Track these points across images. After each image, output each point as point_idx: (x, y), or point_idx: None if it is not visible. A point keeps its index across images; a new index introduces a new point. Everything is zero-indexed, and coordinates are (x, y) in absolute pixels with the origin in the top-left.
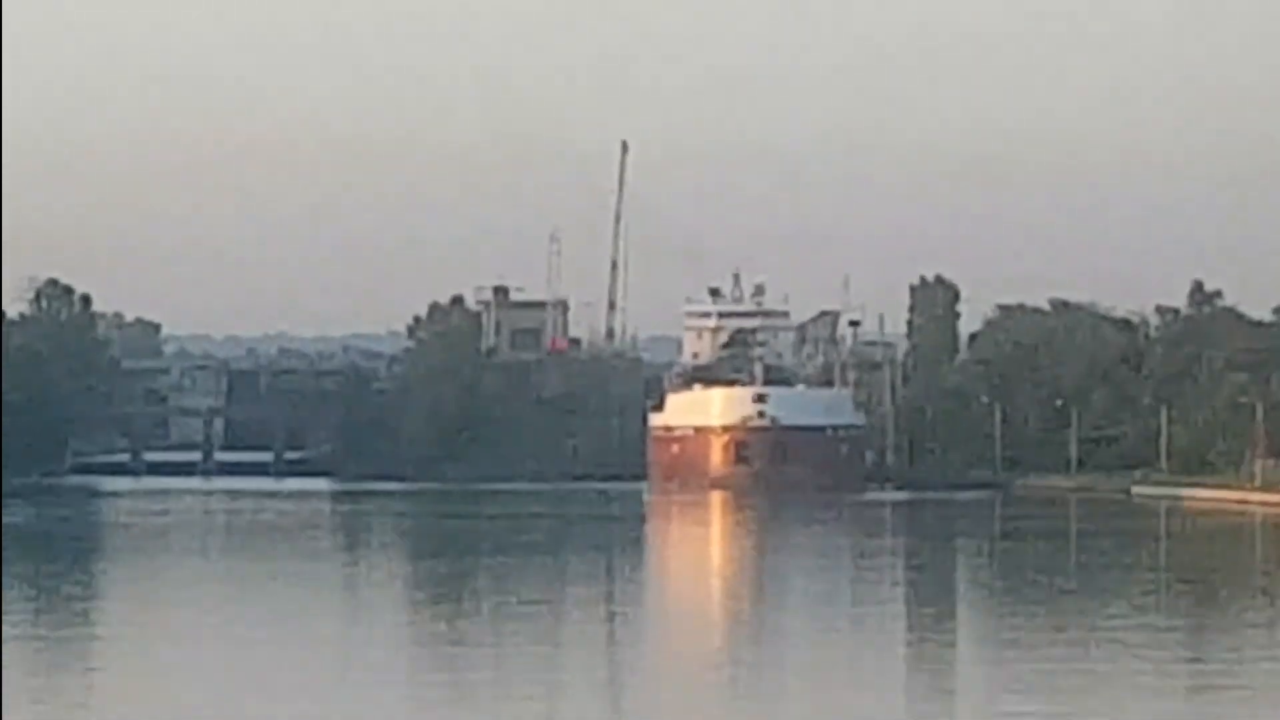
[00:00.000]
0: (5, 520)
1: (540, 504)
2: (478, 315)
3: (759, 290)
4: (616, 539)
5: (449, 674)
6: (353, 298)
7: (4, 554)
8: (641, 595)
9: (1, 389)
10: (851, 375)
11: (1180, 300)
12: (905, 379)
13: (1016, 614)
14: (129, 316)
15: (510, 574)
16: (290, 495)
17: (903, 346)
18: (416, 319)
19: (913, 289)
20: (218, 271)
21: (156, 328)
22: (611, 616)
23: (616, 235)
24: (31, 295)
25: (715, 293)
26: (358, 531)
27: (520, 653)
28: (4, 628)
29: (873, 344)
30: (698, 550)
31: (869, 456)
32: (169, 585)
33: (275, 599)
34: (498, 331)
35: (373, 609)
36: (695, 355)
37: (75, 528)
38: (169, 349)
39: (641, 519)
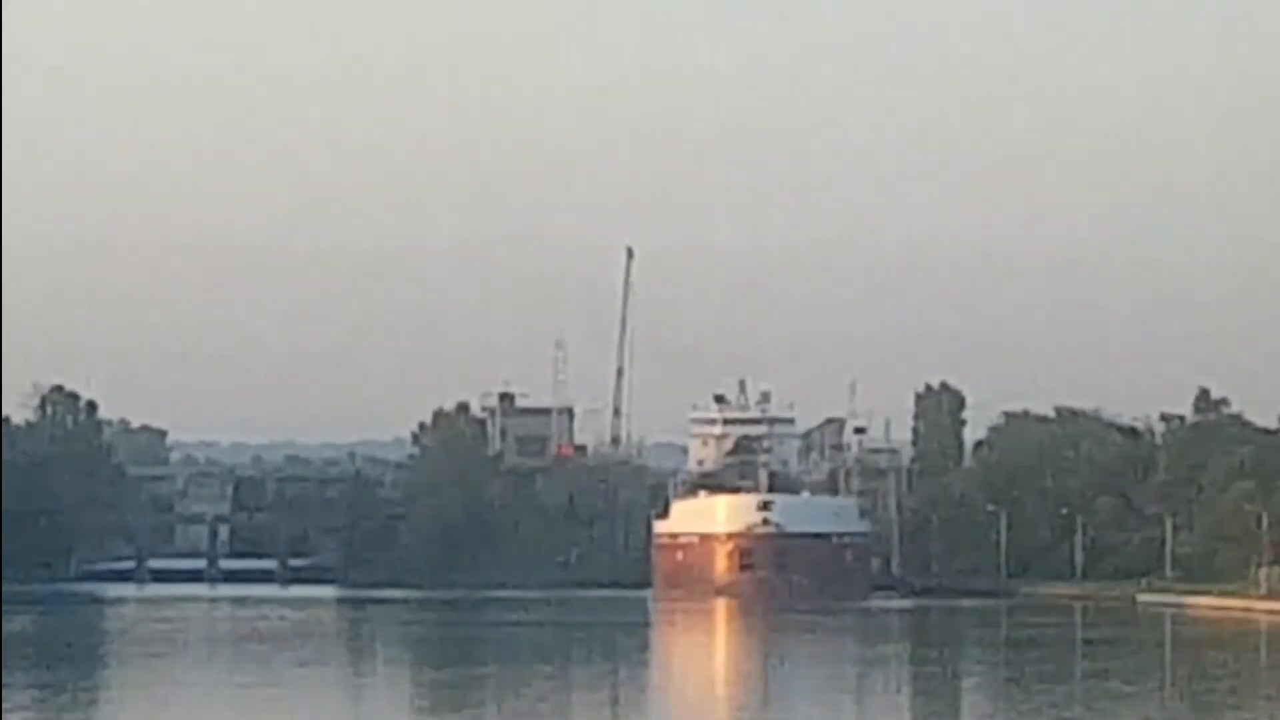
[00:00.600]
0: (7, 628)
1: (545, 612)
2: (483, 422)
3: (764, 397)
4: (620, 648)
5: None
6: (360, 405)
7: (5, 660)
8: (645, 706)
9: (1, 494)
10: (856, 482)
11: (1186, 408)
12: (910, 486)
13: None
14: (135, 423)
15: (515, 683)
16: (295, 603)
17: (908, 453)
18: (421, 425)
19: (918, 396)
20: (224, 379)
21: (163, 434)
22: None
23: (621, 342)
24: (36, 402)
25: (720, 400)
26: (362, 639)
27: None
28: None
29: (878, 451)
30: (701, 659)
31: (874, 564)
32: (168, 693)
33: (278, 709)
34: (503, 438)
35: (377, 717)
36: (700, 462)
37: (77, 635)
38: (175, 456)
39: (645, 626)
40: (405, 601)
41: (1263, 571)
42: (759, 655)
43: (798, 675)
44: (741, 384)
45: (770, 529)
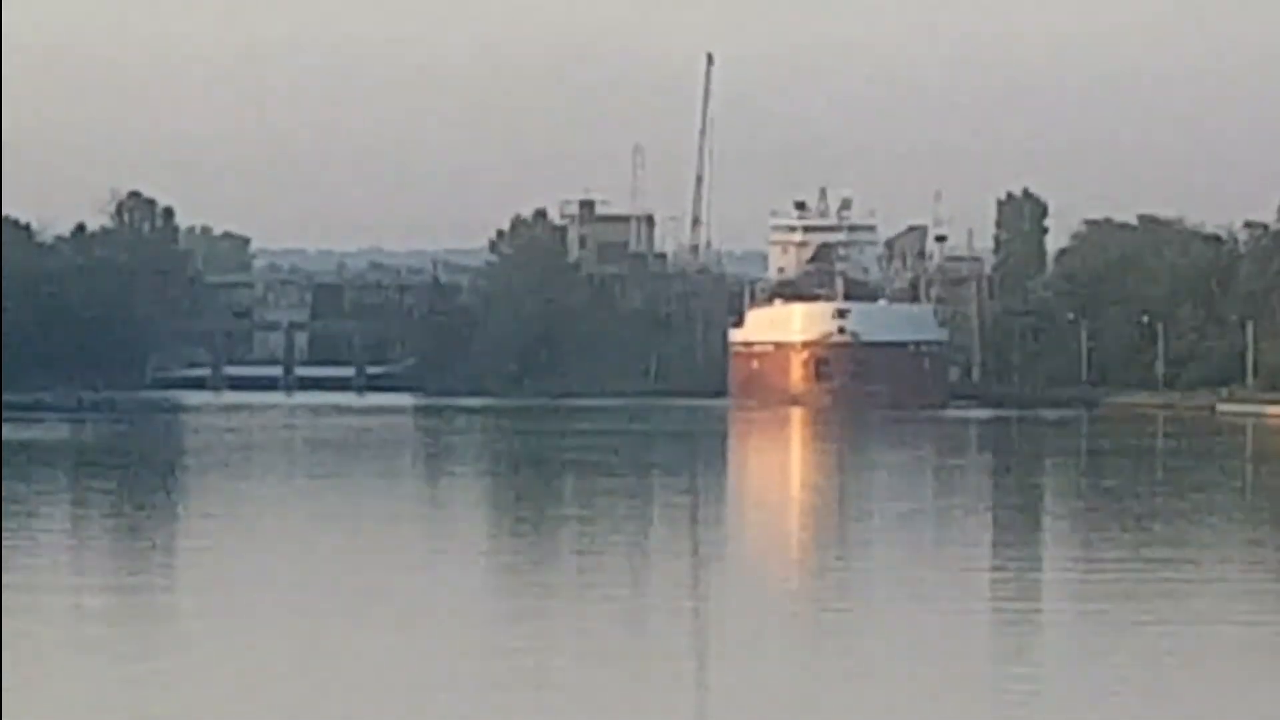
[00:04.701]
0: (81, 435)
1: (619, 420)
2: (563, 229)
3: (845, 204)
4: (695, 456)
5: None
6: (445, 212)
7: (80, 466)
8: (718, 517)
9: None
10: (938, 290)
11: (1269, 215)
12: (992, 294)
13: (1104, 533)
14: (217, 230)
15: (589, 491)
16: (371, 410)
17: (990, 261)
18: (499, 233)
19: (1000, 203)
20: (310, 186)
21: (245, 241)
22: (694, 543)
23: (701, 149)
24: (113, 208)
25: (801, 206)
26: (438, 447)
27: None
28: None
29: (960, 259)
30: (774, 468)
31: (954, 373)
32: (240, 499)
33: (349, 516)
34: (582, 245)
35: (453, 524)
36: (780, 270)
37: (151, 442)
38: (260, 263)
39: (721, 436)
40: (482, 409)
41: None
42: (833, 466)
43: (873, 484)
44: (823, 191)
45: (846, 337)
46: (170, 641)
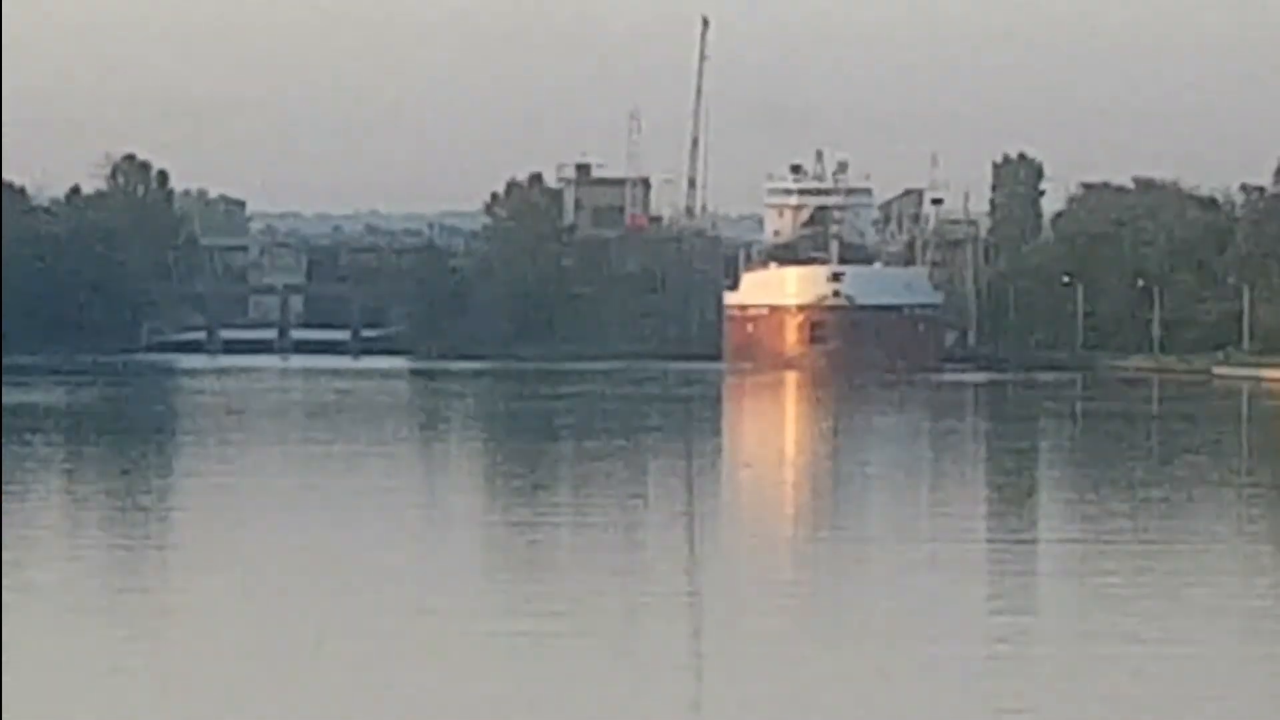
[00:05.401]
0: (77, 398)
1: (614, 383)
2: (558, 193)
3: (841, 167)
4: (690, 419)
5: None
6: (443, 174)
7: (76, 430)
8: (713, 488)
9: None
10: (934, 254)
11: (1266, 178)
12: (987, 258)
13: (1099, 498)
14: (213, 194)
15: (586, 456)
16: (366, 374)
17: (986, 225)
18: (495, 196)
19: (995, 166)
20: (307, 150)
21: (241, 205)
22: (688, 508)
23: (697, 112)
24: (108, 171)
25: (797, 169)
26: (433, 410)
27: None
28: None
29: (955, 222)
30: (770, 432)
31: (950, 336)
32: (234, 465)
33: (345, 480)
34: (578, 209)
35: (447, 491)
36: (776, 233)
37: (146, 405)
38: (255, 226)
39: (716, 399)
40: (477, 373)
41: None
42: (827, 429)
43: (866, 447)
44: (819, 154)
45: (841, 300)
46: (164, 614)
